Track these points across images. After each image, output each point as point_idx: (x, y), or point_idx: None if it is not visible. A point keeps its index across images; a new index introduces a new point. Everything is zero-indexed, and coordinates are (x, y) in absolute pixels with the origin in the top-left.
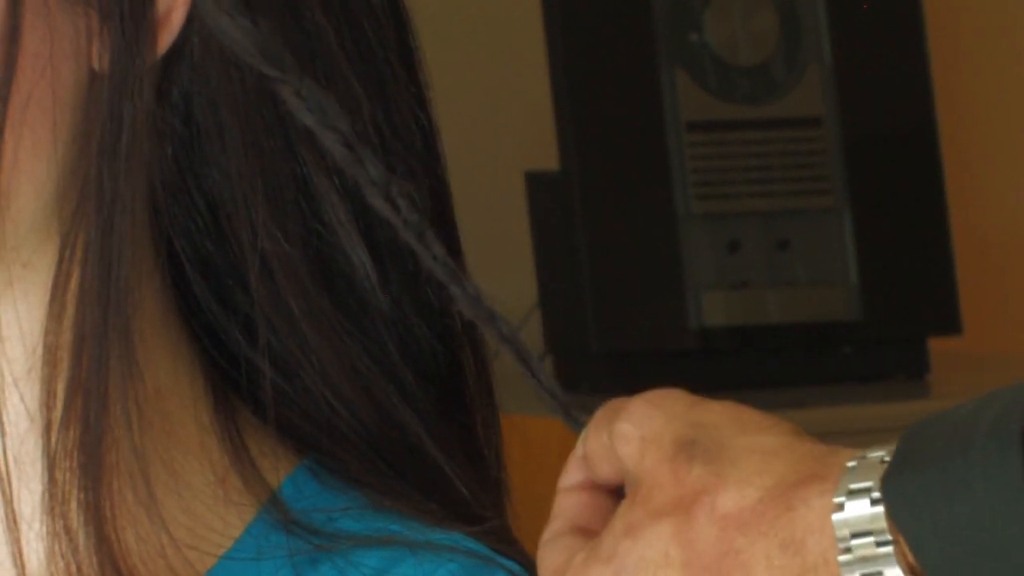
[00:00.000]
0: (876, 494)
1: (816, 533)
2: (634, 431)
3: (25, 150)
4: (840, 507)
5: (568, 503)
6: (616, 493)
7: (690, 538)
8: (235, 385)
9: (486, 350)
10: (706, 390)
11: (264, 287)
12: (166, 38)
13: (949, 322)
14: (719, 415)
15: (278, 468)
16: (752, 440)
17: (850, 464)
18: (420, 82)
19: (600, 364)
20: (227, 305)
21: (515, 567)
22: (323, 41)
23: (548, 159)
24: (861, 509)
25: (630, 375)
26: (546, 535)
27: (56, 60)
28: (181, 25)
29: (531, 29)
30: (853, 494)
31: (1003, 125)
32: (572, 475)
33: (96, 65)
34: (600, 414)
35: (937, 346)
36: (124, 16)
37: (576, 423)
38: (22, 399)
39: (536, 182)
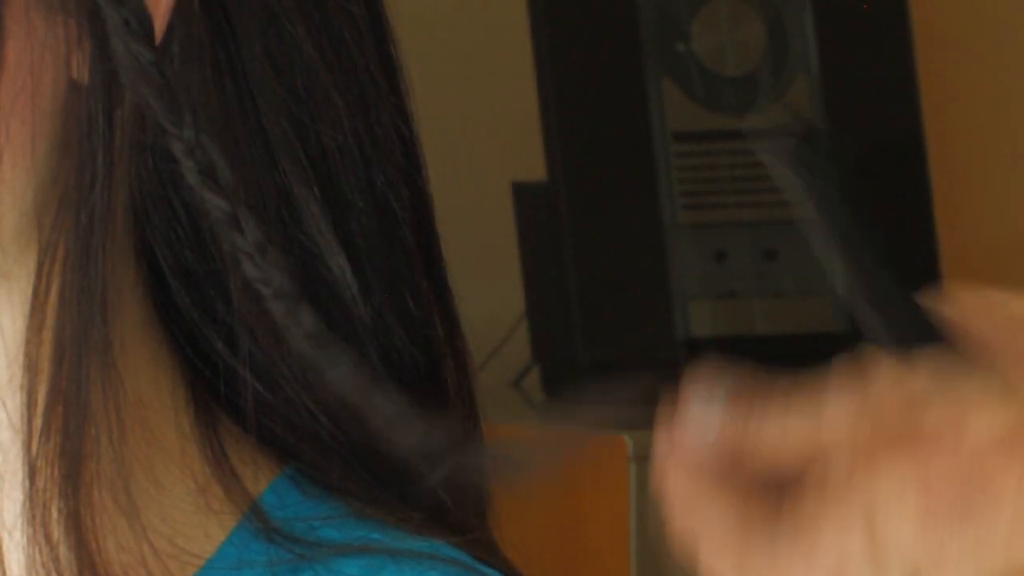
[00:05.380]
0: None
1: None
2: (857, 397)
3: (5, 161)
4: None
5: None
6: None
7: (928, 479)
8: (216, 394)
9: (469, 361)
10: None
11: (245, 297)
12: None
13: None
14: (936, 365)
15: (259, 477)
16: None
17: None
18: (401, 92)
19: (587, 374)
20: (209, 315)
21: None
22: (302, 51)
23: (535, 169)
24: None
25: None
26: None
27: (36, 70)
28: (161, 35)
29: (518, 39)
30: None
31: (991, 135)
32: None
33: (76, 75)
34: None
35: None
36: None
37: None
38: (4, 408)
39: (523, 192)
